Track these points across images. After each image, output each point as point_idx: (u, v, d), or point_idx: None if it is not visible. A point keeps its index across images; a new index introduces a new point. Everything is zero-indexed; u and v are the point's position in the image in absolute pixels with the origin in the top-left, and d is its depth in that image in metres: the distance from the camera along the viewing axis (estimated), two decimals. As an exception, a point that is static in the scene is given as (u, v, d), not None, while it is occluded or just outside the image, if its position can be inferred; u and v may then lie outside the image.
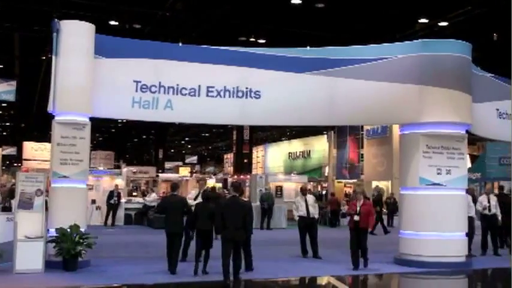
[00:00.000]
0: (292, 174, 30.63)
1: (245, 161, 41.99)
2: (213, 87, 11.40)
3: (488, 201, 13.91)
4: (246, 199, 19.15)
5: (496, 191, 18.66)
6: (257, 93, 11.49)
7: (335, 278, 10.54)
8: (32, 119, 39.87)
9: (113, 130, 54.32)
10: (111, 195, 21.33)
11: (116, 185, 22.17)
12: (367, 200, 11.94)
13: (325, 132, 43.47)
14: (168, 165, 53.51)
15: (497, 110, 14.08)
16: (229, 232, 9.37)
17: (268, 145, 56.14)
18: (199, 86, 11.35)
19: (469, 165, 27.56)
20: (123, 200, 22.67)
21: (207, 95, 11.38)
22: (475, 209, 13.75)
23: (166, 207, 10.73)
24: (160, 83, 11.22)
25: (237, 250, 9.60)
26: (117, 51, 11.28)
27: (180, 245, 10.63)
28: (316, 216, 13.36)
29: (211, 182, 34.34)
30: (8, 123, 51.71)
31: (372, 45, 12.04)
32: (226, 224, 9.40)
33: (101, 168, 31.79)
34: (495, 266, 12.54)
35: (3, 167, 47.89)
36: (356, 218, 11.05)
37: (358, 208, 11.14)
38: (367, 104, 11.73)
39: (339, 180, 41.44)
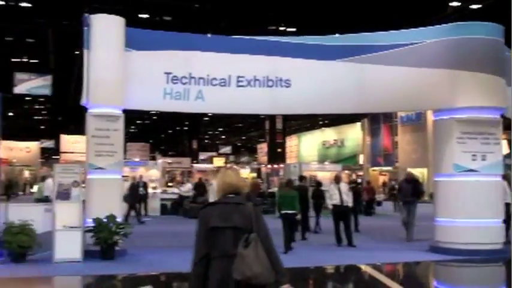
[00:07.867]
0: (326, 163, 30.43)
1: (279, 150, 41.96)
2: (243, 77, 11.43)
3: None
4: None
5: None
6: (287, 82, 11.46)
7: (371, 267, 10.40)
8: (68, 112, 40.72)
9: (148, 122, 54.99)
10: (134, 186, 19.07)
11: (140, 176, 20.89)
12: None
13: (358, 120, 43.09)
14: (202, 155, 53.96)
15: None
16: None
17: (301, 134, 55.93)
18: (229, 76, 11.39)
19: (506, 150, 27.00)
20: (158, 190, 22.95)
21: (237, 85, 11.42)
22: None
23: None
24: (190, 74, 11.30)
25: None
26: (147, 44, 11.39)
27: None
28: (350, 204, 12.93)
29: (245, 172, 34.63)
30: (45, 117, 52.80)
31: (401, 30, 11.83)
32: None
33: (137, 159, 32.20)
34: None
35: (42, 159, 49.10)
36: None
37: None
38: (398, 90, 11.54)
39: (373, 169, 41.17)
